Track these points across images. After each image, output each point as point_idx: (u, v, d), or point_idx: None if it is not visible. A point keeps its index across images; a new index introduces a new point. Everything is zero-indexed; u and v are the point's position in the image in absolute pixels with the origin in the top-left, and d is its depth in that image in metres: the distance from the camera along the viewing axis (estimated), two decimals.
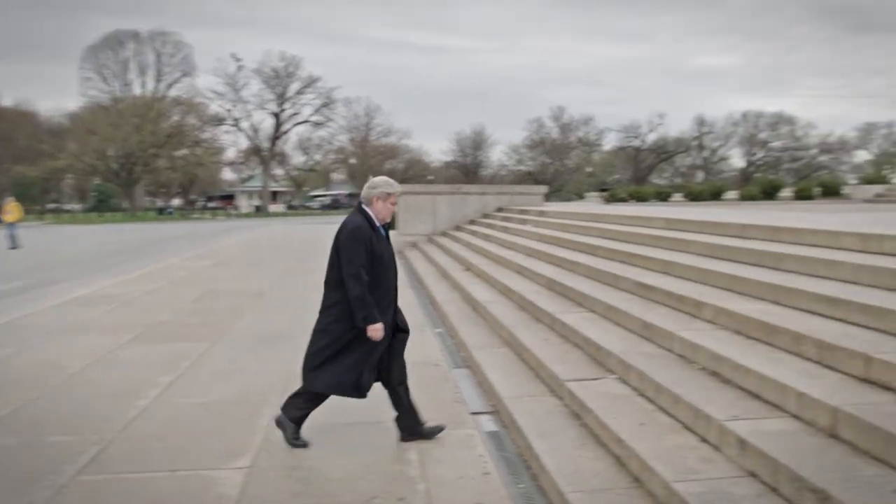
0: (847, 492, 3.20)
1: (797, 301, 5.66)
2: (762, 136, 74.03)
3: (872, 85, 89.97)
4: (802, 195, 30.16)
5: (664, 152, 76.67)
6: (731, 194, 32.00)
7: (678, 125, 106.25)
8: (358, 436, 5.42)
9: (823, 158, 73.10)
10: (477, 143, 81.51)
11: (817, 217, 10.77)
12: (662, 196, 31.74)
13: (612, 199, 30.71)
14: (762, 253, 7.15)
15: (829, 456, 3.62)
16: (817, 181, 35.91)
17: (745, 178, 66.57)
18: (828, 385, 4.20)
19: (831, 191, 31.03)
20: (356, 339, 5.05)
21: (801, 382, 4.26)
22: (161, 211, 73.44)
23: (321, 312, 5.20)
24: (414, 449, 5.13)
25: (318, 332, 5.17)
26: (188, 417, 5.91)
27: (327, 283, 5.17)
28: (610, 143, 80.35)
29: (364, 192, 5.26)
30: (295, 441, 5.22)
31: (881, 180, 39.36)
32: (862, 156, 72.94)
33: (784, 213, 13.41)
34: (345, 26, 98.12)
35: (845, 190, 31.62)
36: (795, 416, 4.14)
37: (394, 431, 5.33)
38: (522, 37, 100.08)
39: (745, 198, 29.96)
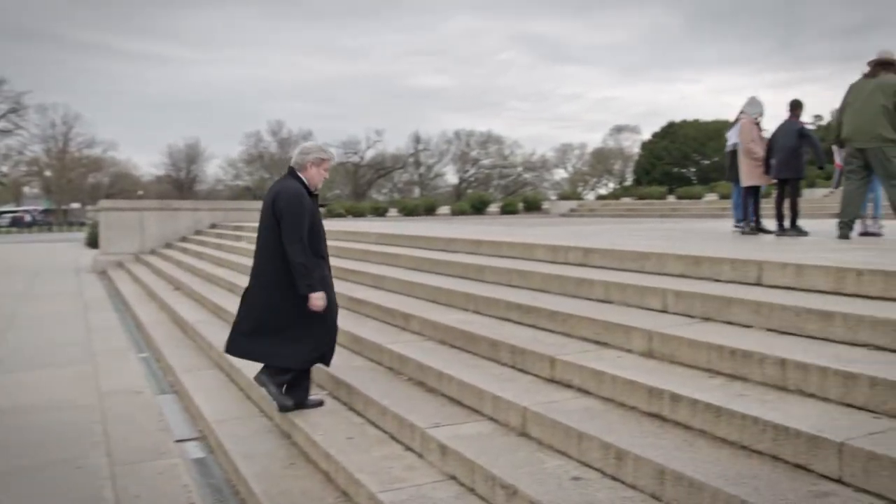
0: (533, 485, 3.43)
1: (495, 310, 6.03)
2: (473, 153, 78.74)
3: (568, 109, 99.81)
4: (508, 210, 32.54)
5: (382, 168, 78.90)
6: (444, 209, 33.64)
7: (396, 142, 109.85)
8: (48, 481, 4.87)
9: (528, 176, 79.29)
10: (191, 156, 78.04)
11: (517, 230, 11.64)
12: (379, 211, 32.60)
13: (330, 214, 30.94)
14: (466, 265, 7.55)
15: (519, 453, 3.86)
16: (522, 197, 38.91)
17: (458, 193, 70.44)
18: (519, 387, 4.51)
19: (533, 206, 33.82)
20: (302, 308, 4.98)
21: (495, 386, 4.53)
22: None
23: (263, 287, 5.05)
24: (109, 487, 4.71)
25: (271, 308, 5.01)
26: None
27: (262, 251, 5.06)
28: None
29: (297, 158, 5.17)
30: (311, 401, 5.29)
31: (575, 196, 43.69)
32: (560, 174, 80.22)
33: (489, 227, 14.35)
34: (40, 24, 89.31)
35: (545, 205, 34.62)
36: (491, 419, 4.39)
37: (88, 470, 4.87)
38: (242, 48, 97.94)
39: (457, 213, 31.70)
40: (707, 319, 4.69)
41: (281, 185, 5.14)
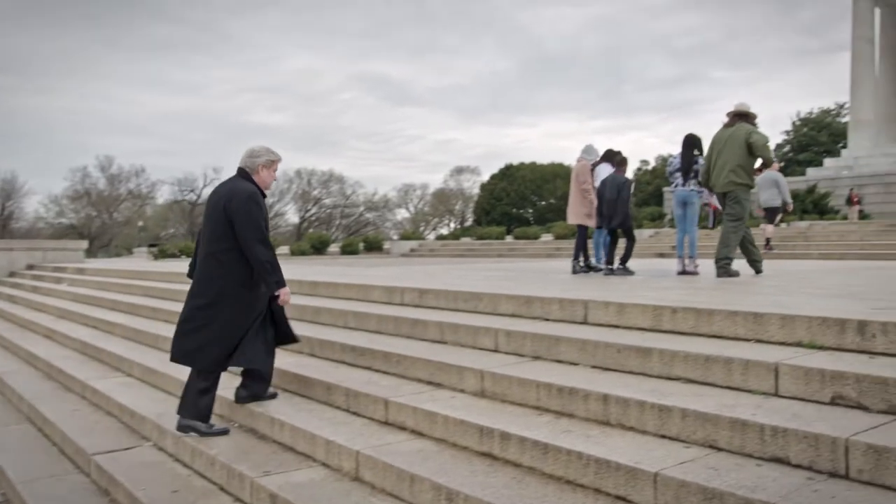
0: None
1: (330, 352, 5.95)
2: (315, 192, 78.19)
3: (409, 150, 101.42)
4: (349, 250, 32.38)
5: None
6: (284, 249, 33.02)
7: None
8: None
9: (370, 215, 79.56)
10: (7, 192, 72.66)
11: (355, 271, 11.59)
12: None
13: (162, 254, 29.59)
14: (302, 307, 7.40)
15: (351, 498, 3.79)
16: (363, 237, 38.91)
17: (299, 233, 69.52)
18: (353, 431, 4.44)
19: (374, 246, 33.85)
20: (253, 313, 5.00)
21: (329, 430, 4.44)
22: None
23: (204, 295, 4.93)
24: None
25: (213, 318, 4.90)
26: None
27: (208, 259, 4.96)
28: (164, 196, 77.84)
29: (246, 161, 5.13)
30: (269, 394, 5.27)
31: (416, 236, 44.20)
32: (402, 213, 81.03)
33: (328, 268, 14.21)
34: None
35: (386, 245, 34.75)
36: (324, 464, 4.29)
37: None
38: (68, 78, 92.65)
39: (297, 253, 31.19)
40: (537, 358, 4.83)
41: (232, 186, 5.04)
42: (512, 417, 4.03)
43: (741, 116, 8.36)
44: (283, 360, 5.96)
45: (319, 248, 32.03)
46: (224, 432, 4.98)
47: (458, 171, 77.89)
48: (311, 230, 66.72)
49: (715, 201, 8.80)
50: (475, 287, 6.69)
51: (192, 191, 74.98)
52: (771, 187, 16.51)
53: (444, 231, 66.74)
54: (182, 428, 4.96)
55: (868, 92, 48.65)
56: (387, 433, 4.37)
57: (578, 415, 3.95)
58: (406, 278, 8.59)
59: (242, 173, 5.13)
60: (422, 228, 71.26)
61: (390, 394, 4.68)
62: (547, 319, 5.49)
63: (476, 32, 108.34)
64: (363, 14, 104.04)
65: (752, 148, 8.06)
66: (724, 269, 8.13)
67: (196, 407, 4.95)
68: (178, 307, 8.93)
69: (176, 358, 5.00)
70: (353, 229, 73.21)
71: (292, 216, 78.31)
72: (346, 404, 4.91)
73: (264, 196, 5.10)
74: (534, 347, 4.90)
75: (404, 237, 39.98)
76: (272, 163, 5.18)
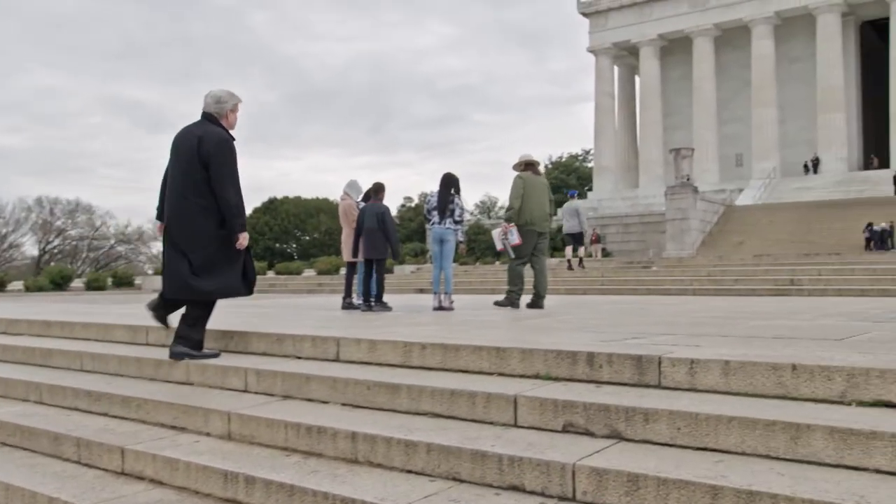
0: None
1: (61, 398, 5.44)
2: (59, 223, 72.05)
3: None
4: (95, 285, 30.05)
5: None
6: (17, 285, 29.97)
7: None
8: None
9: (121, 248, 74.54)
10: None
11: (99, 308, 10.76)
12: None
13: None
14: (31, 349, 6.74)
15: None
16: (112, 272, 36.33)
17: (39, 266, 63.60)
18: (83, 484, 4.07)
19: (124, 281, 31.71)
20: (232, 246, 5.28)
21: (52, 486, 4.03)
22: None
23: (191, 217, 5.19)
24: None
25: (205, 243, 5.22)
26: None
27: (185, 190, 5.17)
28: None
29: (214, 107, 5.35)
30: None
31: None
32: (157, 247, 76.75)
33: (68, 306, 13.10)
34: None
35: (138, 280, 32.68)
36: None
37: None
38: None
39: (33, 289, 28.36)
40: (287, 397, 4.73)
41: (203, 129, 5.24)
42: (259, 460, 3.90)
43: (532, 165, 9.37)
44: (6, 408, 5.38)
45: (61, 283, 29.42)
46: (216, 355, 5.52)
47: None
48: (52, 263, 61.34)
49: (516, 238, 9.10)
50: (227, 325, 6.44)
51: None
52: (573, 217, 19.82)
53: None
54: (177, 355, 5.41)
55: (609, 141, 53.82)
56: (122, 484, 4.05)
57: (327, 454, 3.90)
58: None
59: (210, 118, 5.36)
60: None
61: (128, 441, 4.35)
62: (299, 357, 5.40)
63: (241, 61, 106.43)
64: (118, 34, 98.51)
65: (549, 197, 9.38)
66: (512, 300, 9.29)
67: (191, 339, 5.45)
68: None
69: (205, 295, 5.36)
70: (102, 263, 68.28)
71: (30, 248, 71.61)
72: (77, 455, 4.50)
73: (234, 139, 5.35)
74: (285, 387, 4.79)
75: (158, 272, 37.89)
76: (236, 106, 5.44)
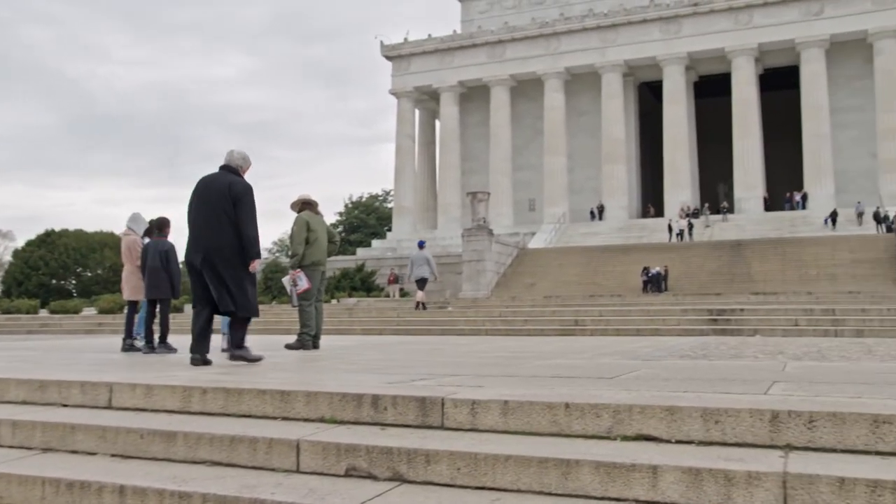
0: None
1: None
2: None
3: None
4: None
5: None
6: None
7: None
8: None
9: None
10: None
11: None
12: None
13: None
14: None
15: None
16: None
17: None
18: None
19: None
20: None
21: None
22: None
23: (225, 259, 6.43)
24: None
25: (236, 273, 6.48)
26: None
27: (216, 230, 6.37)
28: None
29: (237, 161, 6.73)
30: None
31: None
32: None
33: None
34: None
35: None
36: None
37: None
38: None
39: None
40: (48, 450, 4.32)
41: (231, 178, 6.55)
42: None
43: (310, 205, 9.33)
44: None
45: None
46: (259, 359, 6.86)
47: None
48: None
49: (305, 283, 8.87)
50: None
51: None
52: (424, 264, 21.56)
53: None
54: (236, 357, 6.83)
55: (408, 182, 54.83)
56: None
57: None
58: None
59: (231, 170, 6.65)
60: None
61: None
62: (65, 405, 4.96)
63: (11, 78, 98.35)
64: None
65: (331, 236, 9.53)
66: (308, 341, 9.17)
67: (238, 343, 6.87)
68: None
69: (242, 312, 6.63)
70: None
71: None
72: None
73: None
74: (45, 438, 4.37)
75: None
76: (249, 167, 6.81)
